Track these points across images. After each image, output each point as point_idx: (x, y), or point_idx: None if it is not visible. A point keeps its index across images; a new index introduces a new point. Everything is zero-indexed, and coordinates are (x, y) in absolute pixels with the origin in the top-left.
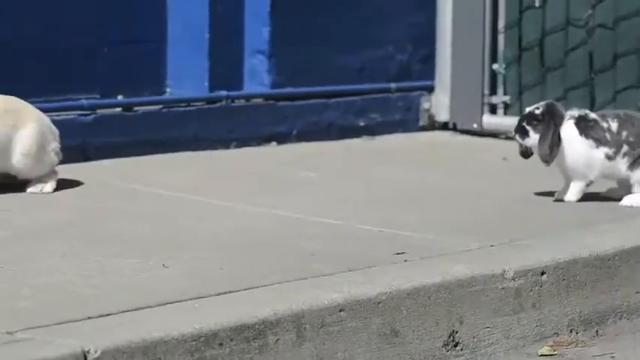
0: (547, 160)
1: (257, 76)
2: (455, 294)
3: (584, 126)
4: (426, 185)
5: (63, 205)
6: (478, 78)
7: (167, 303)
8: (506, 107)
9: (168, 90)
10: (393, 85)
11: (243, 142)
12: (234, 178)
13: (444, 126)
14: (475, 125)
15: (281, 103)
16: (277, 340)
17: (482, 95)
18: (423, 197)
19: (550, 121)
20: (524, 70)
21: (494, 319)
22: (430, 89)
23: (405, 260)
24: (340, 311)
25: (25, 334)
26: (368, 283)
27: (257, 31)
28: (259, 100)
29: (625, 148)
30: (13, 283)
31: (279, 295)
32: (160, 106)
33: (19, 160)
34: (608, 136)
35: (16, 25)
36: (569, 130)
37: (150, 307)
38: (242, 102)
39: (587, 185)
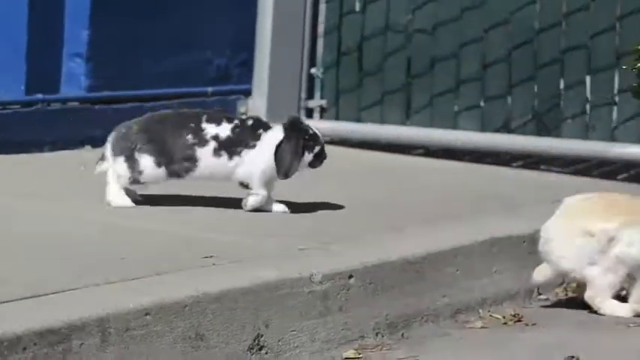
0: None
1: (74, 79)
2: (262, 297)
3: None
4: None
5: None
6: (296, 82)
7: None
8: (323, 111)
9: None
10: (209, 89)
11: (58, 146)
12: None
13: None
14: None
15: (98, 107)
16: (81, 344)
17: (300, 99)
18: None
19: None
20: (342, 75)
21: (301, 322)
22: (247, 93)
23: (214, 264)
24: (146, 315)
25: None
26: (175, 286)
27: (76, 34)
28: (76, 104)
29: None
30: None
31: (85, 299)
32: None
33: None
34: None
35: None
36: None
37: None
38: (58, 105)
39: None
